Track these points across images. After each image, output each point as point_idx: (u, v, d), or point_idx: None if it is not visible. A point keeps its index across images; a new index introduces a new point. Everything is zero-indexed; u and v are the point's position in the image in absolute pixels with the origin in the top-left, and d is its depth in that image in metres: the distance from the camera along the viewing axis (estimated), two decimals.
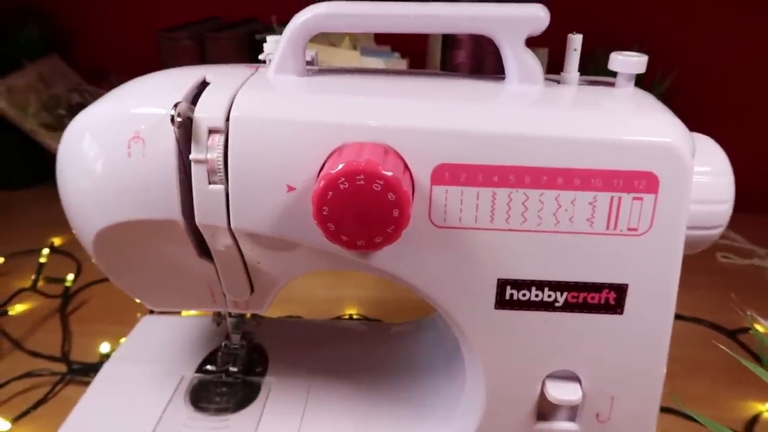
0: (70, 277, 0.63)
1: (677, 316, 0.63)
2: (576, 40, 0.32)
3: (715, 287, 0.68)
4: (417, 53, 0.76)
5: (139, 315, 0.53)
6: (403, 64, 0.72)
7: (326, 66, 0.36)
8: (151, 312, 0.52)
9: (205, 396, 0.40)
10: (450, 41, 0.39)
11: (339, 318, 0.59)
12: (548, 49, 0.70)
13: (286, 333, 0.47)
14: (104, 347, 0.52)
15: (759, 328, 0.56)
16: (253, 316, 0.57)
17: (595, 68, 0.50)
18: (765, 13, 0.80)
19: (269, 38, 0.36)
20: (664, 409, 0.48)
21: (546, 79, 0.33)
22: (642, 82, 0.84)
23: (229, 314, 0.42)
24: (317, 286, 0.65)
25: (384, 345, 0.45)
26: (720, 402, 0.51)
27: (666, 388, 0.54)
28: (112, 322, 0.57)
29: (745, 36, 0.81)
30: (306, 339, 0.46)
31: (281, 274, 0.34)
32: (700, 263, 0.74)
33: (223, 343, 0.43)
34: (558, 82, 0.34)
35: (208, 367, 0.42)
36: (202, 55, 0.73)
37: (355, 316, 0.59)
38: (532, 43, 0.31)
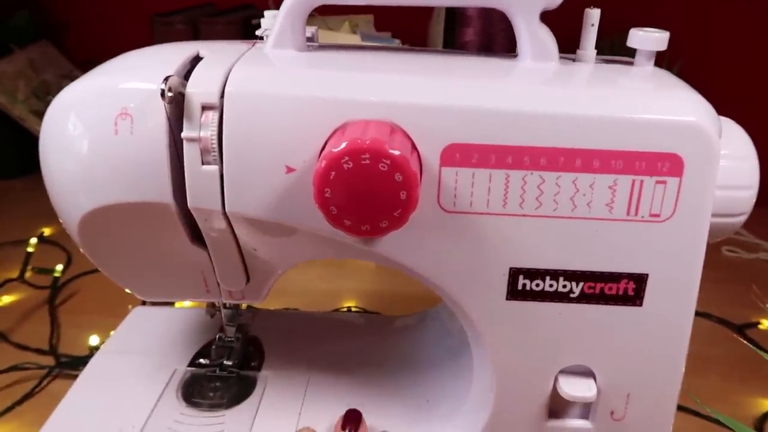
0: (59, 267, 0.61)
1: None
2: (593, 15, 0.31)
3: (722, 281, 0.66)
4: (418, 39, 0.74)
5: (130, 307, 0.51)
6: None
7: (332, 43, 0.34)
8: (143, 303, 0.50)
9: (198, 391, 0.38)
10: (458, 18, 0.37)
11: (337, 310, 0.57)
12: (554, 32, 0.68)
13: (283, 325, 0.45)
14: (93, 339, 0.51)
15: None
16: (249, 307, 0.55)
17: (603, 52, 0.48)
18: None
19: (267, 13, 0.34)
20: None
21: (561, 57, 0.31)
22: None
23: (224, 305, 0.40)
24: (315, 278, 0.63)
25: (386, 338, 0.43)
26: (731, 398, 0.50)
27: None
28: (102, 314, 0.55)
29: (753, 27, 0.79)
30: (304, 332, 0.44)
31: (279, 262, 0.32)
32: (706, 257, 0.72)
33: (217, 336, 0.41)
34: (573, 60, 0.32)
35: (202, 360, 0.40)
36: (197, 40, 0.71)
37: (353, 309, 0.58)
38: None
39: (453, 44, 0.37)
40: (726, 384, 0.51)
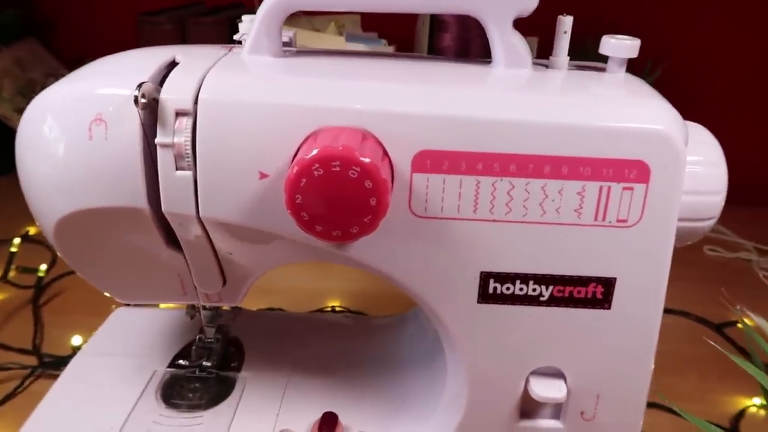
0: (43, 267, 0.60)
1: (664, 310, 0.63)
2: (566, 22, 0.31)
3: (703, 281, 0.67)
4: (404, 40, 0.75)
5: (114, 307, 0.51)
6: (389, 51, 0.70)
7: (305, 47, 0.34)
8: (128, 304, 0.50)
9: (177, 392, 0.39)
10: (436, 24, 0.37)
11: (321, 310, 0.58)
12: (538, 38, 0.69)
13: (265, 326, 0.45)
14: (76, 340, 0.51)
15: (747, 321, 0.55)
16: (232, 307, 0.56)
17: (584, 58, 0.49)
18: (756, 4, 0.79)
19: (245, 17, 0.34)
20: (651, 405, 0.47)
21: (534, 63, 0.32)
22: (632, 72, 0.83)
23: (204, 307, 0.40)
24: (300, 278, 0.63)
25: (365, 339, 0.43)
26: (708, 397, 0.51)
27: (653, 384, 0.53)
28: (86, 314, 0.55)
29: (737, 27, 0.80)
30: (285, 332, 0.44)
31: (255, 266, 0.33)
32: (688, 257, 0.73)
33: (197, 337, 0.41)
34: (547, 66, 0.32)
35: (181, 361, 0.41)
36: (184, 40, 0.71)
37: (338, 309, 0.58)
38: (520, 32, 0.30)
39: (434, 45, 0.37)
40: (704, 383, 0.52)
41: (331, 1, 0.30)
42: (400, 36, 0.75)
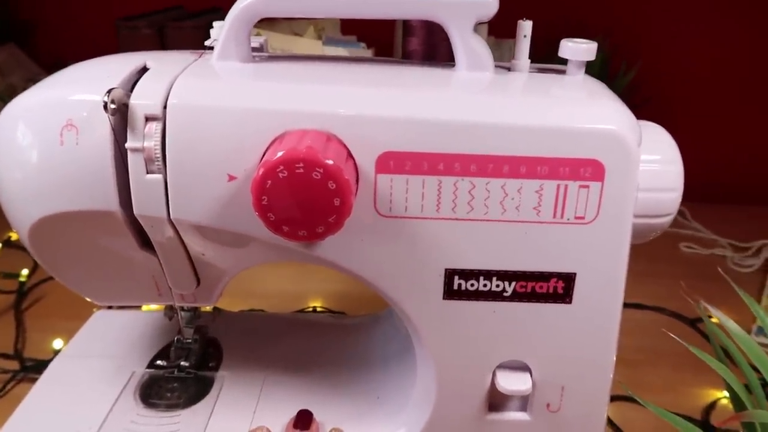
0: (25, 272, 0.61)
1: (639, 306, 0.65)
2: (525, 27, 0.32)
3: (677, 277, 0.68)
4: (383, 43, 0.75)
5: (95, 310, 0.52)
6: (368, 54, 0.71)
7: (276, 53, 0.35)
8: (110, 307, 0.51)
9: (155, 392, 0.39)
10: (405, 28, 0.38)
11: (302, 311, 0.58)
12: (514, 40, 0.70)
13: (243, 326, 0.46)
14: (57, 343, 0.51)
15: (714, 319, 0.57)
16: (215, 308, 0.56)
17: (560, 60, 0.50)
18: (728, 6, 0.81)
19: (216, 24, 0.35)
20: (625, 398, 0.48)
21: (497, 66, 0.33)
22: (607, 72, 0.84)
23: (182, 308, 0.41)
24: (282, 280, 0.64)
25: (340, 338, 0.44)
26: (680, 390, 0.52)
27: (628, 377, 0.54)
28: (68, 318, 0.55)
29: (709, 28, 0.82)
30: (263, 332, 0.45)
31: (227, 266, 0.33)
32: (664, 253, 0.74)
33: (175, 338, 0.42)
34: (509, 69, 0.33)
35: (159, 362, 0.41)
36: (163, 44, 0.72)
37: (318, 309, 0.59)
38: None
39: (403, 49, 0.38)
40: (677, 376, 0.53)
41: (295, 8, 0.30)
42: (379, 39, 0.76)
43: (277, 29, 0.70)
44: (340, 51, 0.69)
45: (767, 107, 0.84)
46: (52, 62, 0.89)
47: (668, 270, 0.70)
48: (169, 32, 0.71)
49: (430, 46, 0.36)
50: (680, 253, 0.75)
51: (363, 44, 0.73)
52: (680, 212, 0.83)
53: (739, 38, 0.82)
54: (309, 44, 0.64)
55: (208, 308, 0.57)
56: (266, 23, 0.70)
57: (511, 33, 0.32)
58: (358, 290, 0.62)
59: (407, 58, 0.37)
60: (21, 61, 0.86)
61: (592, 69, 0.86)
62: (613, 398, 0.50)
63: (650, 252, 0.75)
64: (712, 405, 0.50)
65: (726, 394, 0.50)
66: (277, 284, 0.63)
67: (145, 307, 0.52)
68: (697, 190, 0.84)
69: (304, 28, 0.71)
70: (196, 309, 0.42)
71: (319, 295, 0.62)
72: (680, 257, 0.75)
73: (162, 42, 0.71)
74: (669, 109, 0.84)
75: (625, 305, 0.67)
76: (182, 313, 0.41)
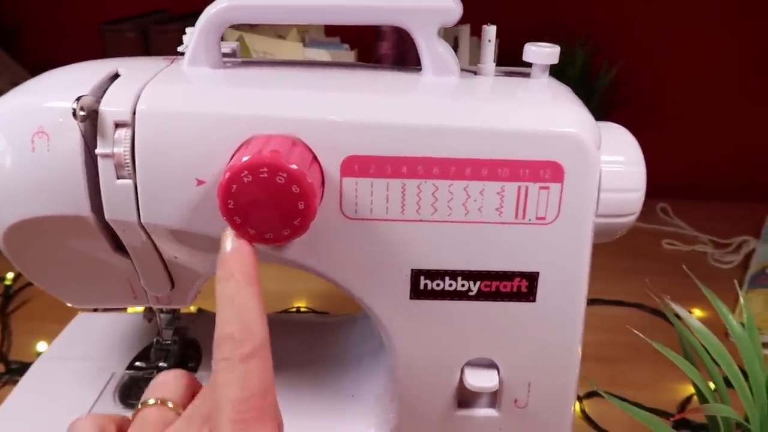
0: (11, 275, 0.61)
1: (620, 303, 0.65)
2: (490, 32, 0.33)
3: (660, 273, 0.69)
4: (367, 44, 0.76)
5: (80, 313, 0.52)
6: (351, 56, 0.72)
7: (248, 58, 0.36)
8: (95, 309, 0.51)
9: (135, 393, 0.40)
10: (376, 33, 0.39)
11: (287, 311, 0.59)
12: (498, 39, 0.70)
13: None
14: (41, 346, 0.52)
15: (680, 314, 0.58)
16: (199, 309, 0.57)
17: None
18: (709, 7, 0.81)
19: (188, 30, 0.35)
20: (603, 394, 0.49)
21: (463, 70, 0.33)
22: (589, 71, 0.85)
23: (161, 310, 0.41)
24: (268, 279, 0.64)
25: (319, 337, 0.45)
26: (658, 384, 0.53)
27: (607, 373, 0.55)
28: (54, 321, 0.56)
29: (691, 27, 0.83)
30: None
31: (200, 269, 0.34)
32: (646, 250, 0.75)
33: (155, 339, 0.43)
34: (475, 73, 0.34)
35: (139, 363, 0.42)
36: (147, 48, 0.72)
37: (303, 310, 0.59)
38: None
39: (373, 53, 0.39)
40: (656, 371, 0.54)
41: (262, 16, 0.31)
42: (362, 40, 0.76)
43: (261, 32, 0.70)
44: (323, 53, 0.69)
45: (748, 105, 0.85)
46: (37, 65, 0.89)
47: (649, 266, 0.71)
48: (153, 35, 0.72)
49: (400, 50, 0.37)
50: (662, 249, 0.76)
51: (346, 45, 0.74)
52: (663, 209, 0.84)
53: (720, 37, 0.83)
54: (290, 46, 0.64)
55: (192, 309, 0.57)
56: (249, 25, 0.70)
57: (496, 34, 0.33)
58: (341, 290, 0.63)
59: (378, 62, 0.38)
60: (6, 64, 0.87)
61: (574, 68, 0.87)
62: (591, 394, 0.51)
63: (633, 249, 0.76)
64: (688, 400, 0.51)
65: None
66: (263, 284, 0.64)
67: (130, 309, 0.53)
68: (680, 186, 0.85)
69: (287, 31, 0.72)
70: (175, 311, 0.42)
71: (304, 295, 0.62)
72: (662, 254, 0.76)
73: (146, 45, 0.72)
74: (651, 107, 0.85)
75: (606, 302, 0.68)
76: (161, 315, 0.42)
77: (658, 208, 0.84)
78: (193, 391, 0.28)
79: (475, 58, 0.65)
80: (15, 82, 0.85)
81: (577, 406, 0.50)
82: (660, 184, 0.82)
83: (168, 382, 0.28)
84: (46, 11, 0.90)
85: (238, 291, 0.25)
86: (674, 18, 0.83)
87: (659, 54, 0.84)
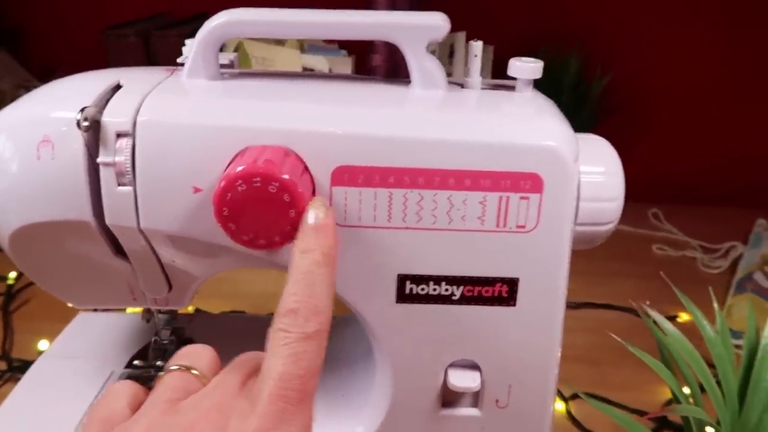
0: (13, 275, 0.63)
1: (608, 306, 0.67)
2: (476, 47, 0.34)
3: (650, 278, 0.70)
4: (364, 51, 0.78)
5: (81, 313, 0.53)
6: (348, 62, 0.73)
7: (245, 69, 0.37)
8: (95, 309, 0.53)
9: None
10: (369, 45, 0.40)
11: None
12: (493, 46, 0.72)
13: (220, 327, 0.48)
14: (43, 345, 0.53)
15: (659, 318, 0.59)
16: (196, 309, 0.58)
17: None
18: (700, 16, 0.83)
19: (188, 42, 0.37)
20: (587, 395, 0.50)
21: (450, 83, 0.35)
22: (583, 78, 0.86)
23: (159, 311, 0.43)
24: (265, 281, 0.66)
25: None
26: (642, 387, 0.54)
27: (594, 375, 0.56)
28: (55, 320, 0.57)
29: (683, 37, 0.84)
30: (239, 333, 0.47)
31: (196, 272, 0.36)
32: (637, 255, 0.77)
33: (153, 339, 0.44)
34: (462, 86, 0.35)
35: (137, 362, 0.43)
36: (149, 53, 0.74)
37: None
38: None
39: (366, 65, 0.40)
40: (640, 374, 0.55)
41: (259, 29, 0.32)
42: (360, 47, 0.78)
43: (260, 38, 0.72)
44: (321, 59, 0.71)
45: (739, 112, 0.87)
46: (41, 68, 0.91)
47: (639, 271, 0.72)
48: (155, 40, 0.73)
49: (392, 63, 0.39)
50: (653, 254, 0.78)
51: (344, 52, 0.75)
52: (654, 214, 0.85)
53: (712, 45, 0.84)
54: (289, 53, 0.66)
55: (190, 309, 0.59)
56: None
57: (489, 39, 0.34)
58: None
59: (371, 73, 0.39)
60: (11, 67, 0.88)
61: (568, 75, 0.88)
62: (575, 396, 0.53)
63: (623, 253, 0.78)
64: (669, 401, 0.52)
65: (686, 390, 0.53)
66: (261, 286, 0.65)
67: (129, 310, 0.54)
68: (671, 192, 0.87)
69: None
70: (172, 311, 0.44)
71: None
72: (652, 258, 0.77)
73: (148, 50, 0.74)
74: (643, 113, 0.86)
75: (596, 306, 0.69)
76: (159, 315, 0.43)
77: (649, 213, 0.85)
78: (220, 367, 0.27)
79: None
80: (19, 85, 0.87)
81: (563, 407, 0.52)
82: (652, 190, 0.83)
83: (196, 351, 0.27)
84: (50, 15, 0.91)
85: (314, 267, 0.24)
86: (667, 26, 0.84)
87: (652, 62, 0.86)
